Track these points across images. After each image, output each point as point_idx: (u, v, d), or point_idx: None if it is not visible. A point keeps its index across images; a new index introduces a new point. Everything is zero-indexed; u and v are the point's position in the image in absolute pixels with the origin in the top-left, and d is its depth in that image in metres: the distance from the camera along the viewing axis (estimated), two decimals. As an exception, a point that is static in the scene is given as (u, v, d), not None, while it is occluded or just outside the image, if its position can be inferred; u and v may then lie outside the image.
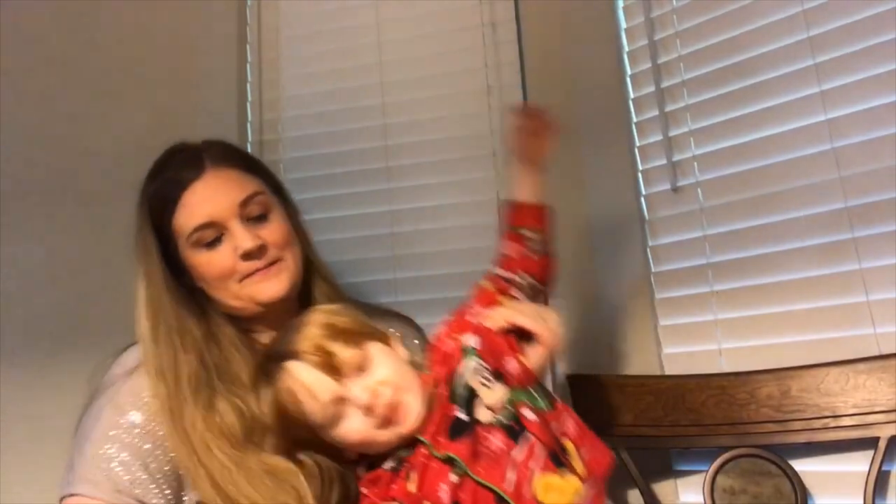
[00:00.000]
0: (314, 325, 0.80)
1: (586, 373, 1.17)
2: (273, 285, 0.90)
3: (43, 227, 1.46)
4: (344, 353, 0.77)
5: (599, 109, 1.33)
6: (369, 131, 1.46)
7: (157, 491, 0.83)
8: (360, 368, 0.77)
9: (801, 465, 1.00)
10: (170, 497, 0.83)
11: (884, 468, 0.95)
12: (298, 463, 0.82)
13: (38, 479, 1.32)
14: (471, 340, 0.82)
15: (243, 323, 0.94)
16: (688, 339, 1.19)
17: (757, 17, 1.18)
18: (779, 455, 1.01)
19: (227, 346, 0.92)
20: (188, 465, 0.82)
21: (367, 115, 1.46)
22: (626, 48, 1.34)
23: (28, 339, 1.38)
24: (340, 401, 0.76)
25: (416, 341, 1.03)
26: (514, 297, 0.90)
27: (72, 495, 0.82)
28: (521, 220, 0.95)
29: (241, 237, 0.89)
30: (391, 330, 1.00)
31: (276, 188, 0.99)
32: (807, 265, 1.09)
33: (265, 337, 0.94)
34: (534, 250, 0.94)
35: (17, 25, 1.56)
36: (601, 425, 1.05)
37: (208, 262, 0.90)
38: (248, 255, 0.89)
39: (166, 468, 0.84)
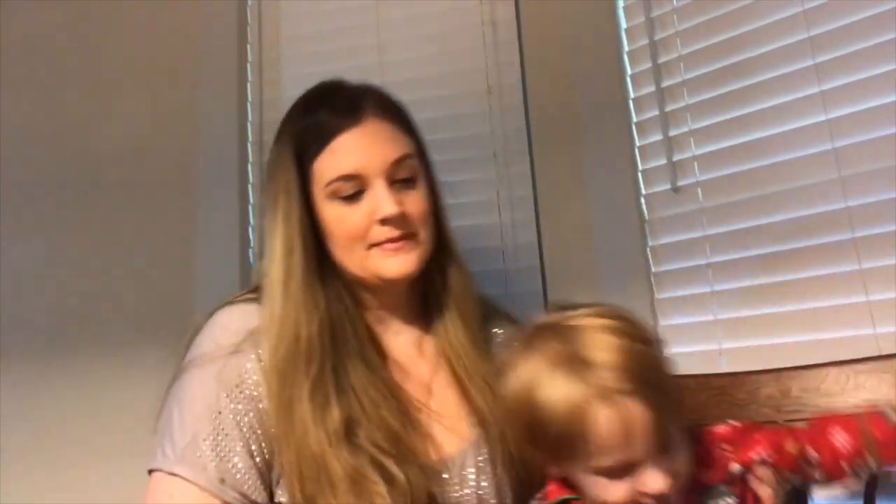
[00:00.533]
0: (619, 354, 0.67)
1: (586, 373, 1.17)
2: (402, 262, 0.84)
3: (43, 227, 1.46)
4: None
5: (599, 109, 1.32)
6: (370, 131, 1.46)
7: (261, 484, 0.78)
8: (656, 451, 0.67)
9: (801, 466, 1.00)
10: (264, 490, 0.79)
11: (884, 468, 0.95)
12: (388, 478, 0.76)
13: (37, 479, 1.32)
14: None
15: (359, 290, 0.88)
16: (688, 339, 1.19)
17: (757, 17, 1.18)
18: (779, 455, 1.00)
19: (347, 320, 0.85)
20: (280, 438, 0.78)
21: (368, 115, 1.46)
22: (626, 48, 1.34)
23: (28, 339, 1.39)
24: (632, 466, 0.67)
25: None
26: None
27: (171, 474, 0.77)
28: None
29: (384, 200, 0.82)
30: (495, 330, 0.96)
31: (425, 155, 0.93)
32: (807, 265, 1.09)
33: (373, 315, 0.89)
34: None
35: (18, 26, 1.56)
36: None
37: (342, 218, 0.84)
38: (386, 221, 0.83)
39: (265, 451, 0.79)
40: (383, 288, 0.88)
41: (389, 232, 0.84)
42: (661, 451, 0.67)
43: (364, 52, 1.48)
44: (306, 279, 0.84)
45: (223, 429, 0.78)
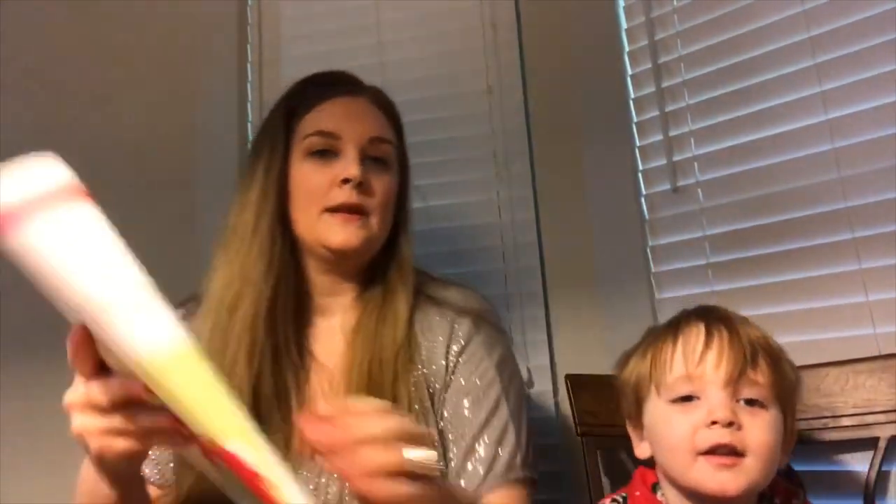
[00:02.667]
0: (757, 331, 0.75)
1: (586, 373, 1.17)
2: (348, 234, 0.86)
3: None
4: (762, 377, 0.71)
5: (600, 109, 1.33)
6: (369, 131, 1.46)
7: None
8: (747, 400, 0.71)
9: (800, 466, 1.00)
10: None
11: (884, 468, 0.95)
12: None
13: (37, 479, 1.32)
14: None
15: (307, 260, 0.90)
16: (688, 340, 1.18)
17: (757, 17, 1.18)
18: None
19: (292, 290, 0.88)
20: None
21: (368, 115, 1.46)
22: (627, 48, 1.34)
23: (28, 339, 1.38)
24: (694, 380, 0.71)
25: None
26: None
27: None
28: None
29: (351, 163, 0.86)
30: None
31: (404, 160, 0.97)
32: (807, 265, 1.09)
33: (312, 288, 0.91)
34: None
35: (17, 26, 1.56)
36: (601, 425, 1.05)
37: (307, 176, 0.87)
38: (347, 182, 0.85)
39: None
40: (326, 261, 0.89)
41: (346, 196, 0.86)
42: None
43: (364, 52, 1.48)
44: (273, 226, 0.87)
45: None
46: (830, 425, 0.97)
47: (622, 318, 1.23)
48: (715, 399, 0.70)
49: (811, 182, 1.10)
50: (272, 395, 0.84)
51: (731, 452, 0.68)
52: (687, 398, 0.72)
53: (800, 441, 0.98)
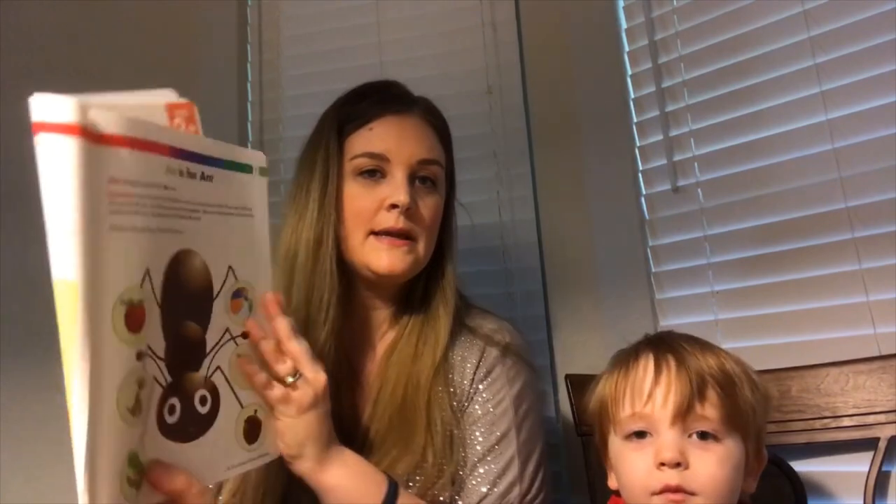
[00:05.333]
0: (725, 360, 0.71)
1: (586, 373, 1.17)
2: (394, 259, 0.85)
3: (43, 227, 1.46)
4: (710, 410, 0.68)
5: (600, 109, 1.33)
6: (369, 131, 1.46)
7: None
8: (699, 434, 0.68)
9: (800, 466, 1.00)
10: None
11: (884, 468, 0.95)
12: None
13: (37, 479, 1.32)
14: None
15: (353, 280, 0.90)
16: (688, 340, 1.19)
17: (757, 17, 1.18)
18: (778, 455, 1.00)
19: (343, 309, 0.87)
20: None
21: (368, 115, 1.46)
22: (627, 48, 1.34)
23: (28, 339, 1.38)
24: (644, 418, 0.70)
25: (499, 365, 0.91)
26: None
27: None
28: None
29: (399, 187, 0.85)
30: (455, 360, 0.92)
31: (452, 179, 0.96)
32: (807, 265, 1.09)
33: (358, 307, 0.91)
34: None
35: (17, 26, 1.56)
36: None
37: (354, 196, 0.86)
38: (394, 208, 0.84)
39: None
40: (370, 279, 0.89)
41: (394, 221, 0.85)
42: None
43: (364, 52, 1.48)
44: (333, 248, 0.86)
45: None
46: (830, 425, 0.97)
47: (622, 318, 1.23)
48: (664, 437, 0.68)
49: (811, 182, 1.10)
50: None
51: (683, 490, 0.67)
52: (640, 433, 0.71)
53: (800, 441, 0.99)
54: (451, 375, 0.90)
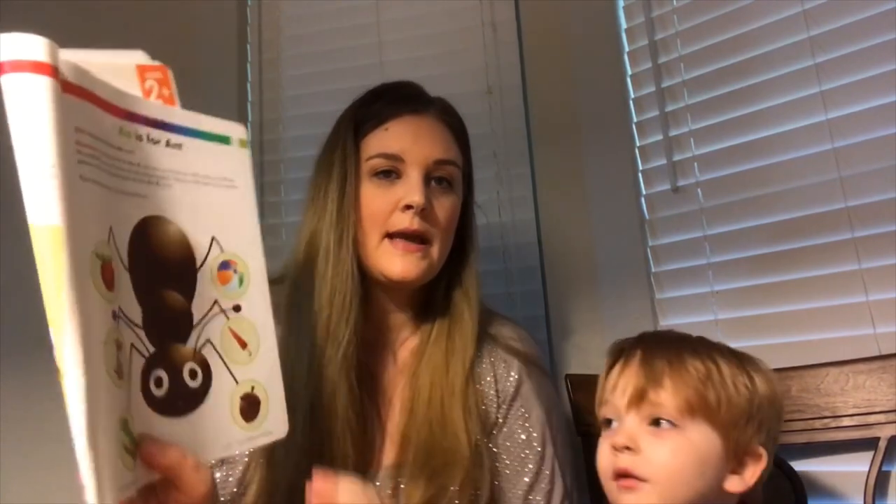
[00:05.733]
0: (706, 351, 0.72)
1: (586, 373, 1.17)
2: (408, 265, 0.84)
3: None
4: (664, 396, 0.68)
5: (599, 109, 1.33)
6: (369, 131, 1.46)
7: None
8: (652, 420, 0.69)
9: (800, 466, 1.00)
10: None
11: (884, 468, 0.95)
12: None
13: (37, 479, 1.32)
14: None
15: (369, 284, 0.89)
16: (688, 340, 1.19)
17: (757, 17, 1.18)
18: (778, 455, 1.00)
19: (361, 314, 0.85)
20: None
21: (368, 115, 1.46)
22: (626, 48, 1.34)
23: (28, 339, 1.38)
24: (608, 405, 0.72)
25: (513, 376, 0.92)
26: None
27: None
28: None
29: (414, 187, 0.84)
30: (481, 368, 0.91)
31: (470, 180, 0.95)
32: (807, 265, 1.09)
33: (375, 315, 0.90)
34: None
35: (17, 26, 1.56)
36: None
37: (370, 197, 0.85)
38: (409, 208, 0.83)
39: None
40: (386, 287, 0.88)
41: (408, 222, 0.84)
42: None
43: (364, 52, 1.48)
44: (353, 251, 0.85)
45: None
46: (830, 425, 0.97)
47: (622, 318, 1.23)
48: (622, 423, 0.70)
49: (811, 182, 1.10)
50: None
51: (633, 476, 0.67)
52: (608, 421, 0.72)
53: (800, 441, 0.99)
54: (478, 385, 0.90)
